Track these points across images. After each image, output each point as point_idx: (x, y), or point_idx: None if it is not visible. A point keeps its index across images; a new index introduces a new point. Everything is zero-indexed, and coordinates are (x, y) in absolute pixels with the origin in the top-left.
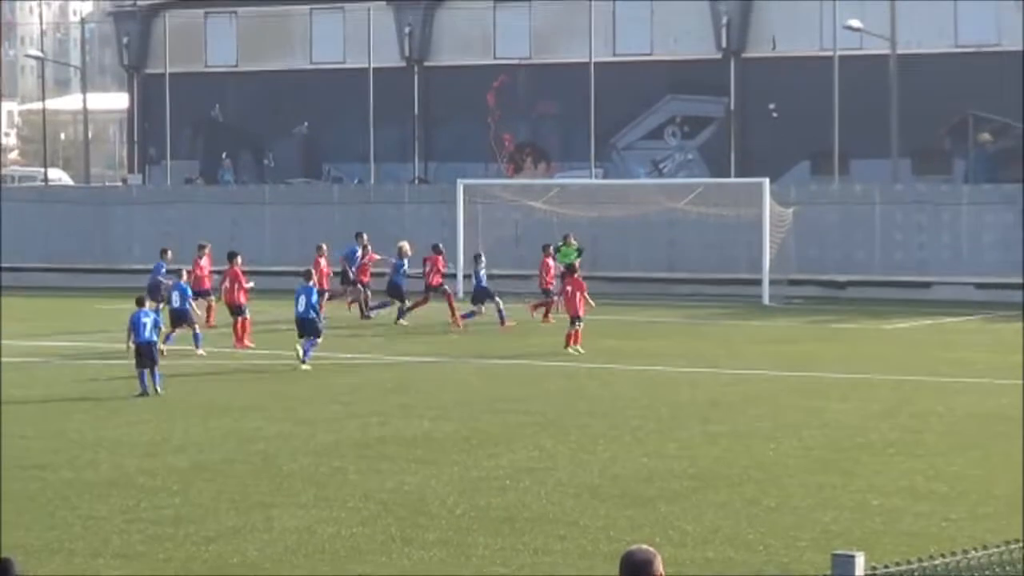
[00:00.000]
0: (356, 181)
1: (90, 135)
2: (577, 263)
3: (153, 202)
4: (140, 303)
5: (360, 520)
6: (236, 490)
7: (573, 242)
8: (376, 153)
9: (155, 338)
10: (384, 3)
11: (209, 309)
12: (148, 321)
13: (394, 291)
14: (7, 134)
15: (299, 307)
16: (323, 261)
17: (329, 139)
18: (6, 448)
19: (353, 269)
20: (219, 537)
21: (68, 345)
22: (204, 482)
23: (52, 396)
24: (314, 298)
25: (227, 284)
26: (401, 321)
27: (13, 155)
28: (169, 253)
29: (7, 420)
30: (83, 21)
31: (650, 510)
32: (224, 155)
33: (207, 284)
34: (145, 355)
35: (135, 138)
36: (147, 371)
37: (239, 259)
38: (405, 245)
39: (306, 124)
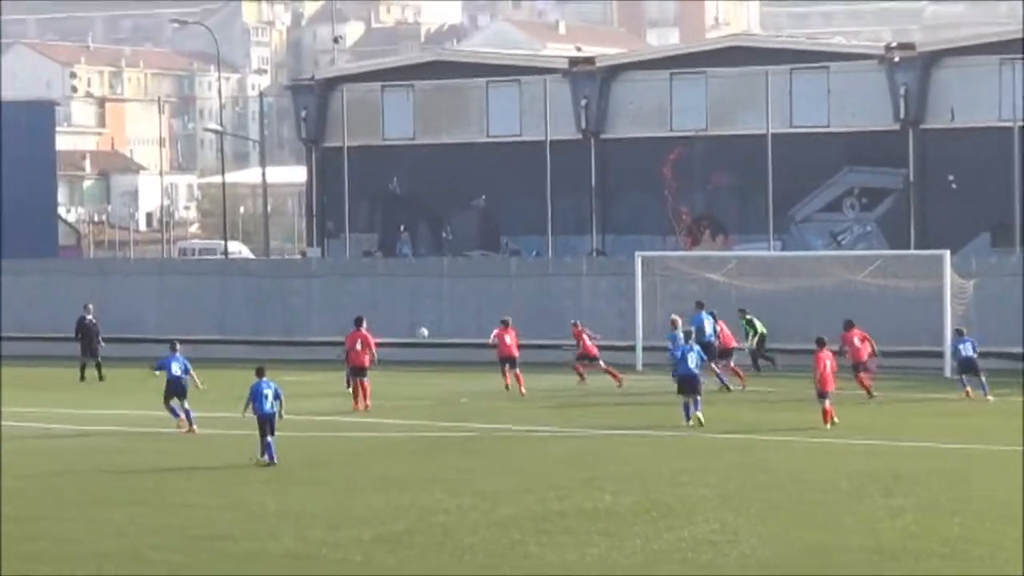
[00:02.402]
0: (534, 254)
1: (269, 208)
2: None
3: (332, 275)
4: (260, 374)
5: None
6: (417, 562)
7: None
8: (553, 226)
9: (275, 410)
10: (560, 76)
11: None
12: (269, 392)
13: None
14: (187, 207)
15: (690, 363)
16: (585, 335)
17: (506, 212)
18: (184, 517)
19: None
20: None
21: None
22: (386, 554)
23: (230, 465)
24: (696, 357)
25: (357, 347)
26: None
27: (193, 228)
28: (365, 322)
29: (188, 490)
30: (261, 95)
31: None
32: (402, 228)
33: (516, 352)
34: (265, 425)
35: (313, 211)
36: (267, 439)
37: (365, 323)
38: (679, 319)
39: (483, 197)
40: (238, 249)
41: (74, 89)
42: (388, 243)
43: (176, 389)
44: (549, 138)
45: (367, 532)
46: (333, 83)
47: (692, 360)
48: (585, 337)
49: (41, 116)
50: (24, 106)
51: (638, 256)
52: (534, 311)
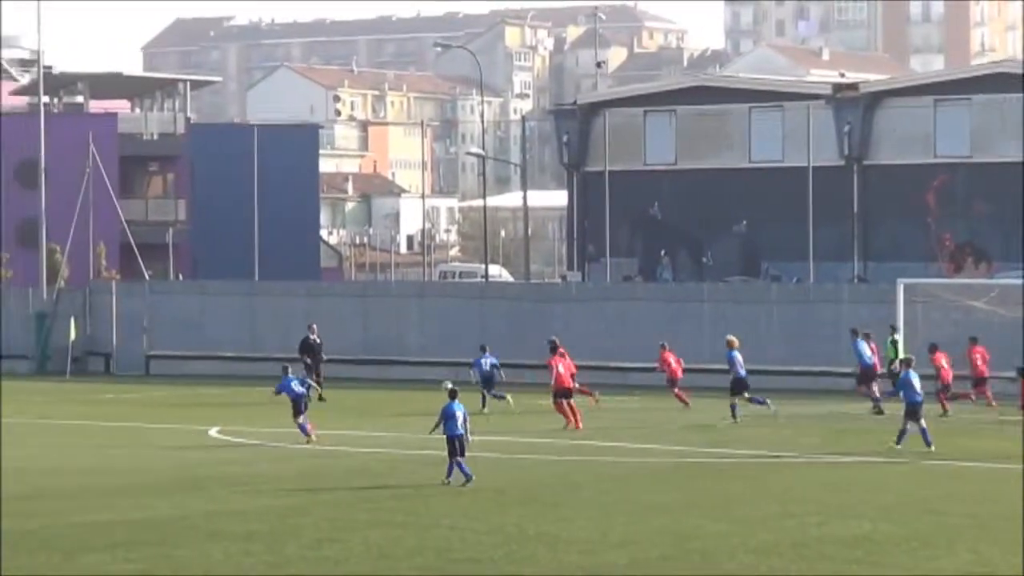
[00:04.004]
0: (795, 280)
1: (530, 232)
2: None
3: (592, 299)
4: (452, 395)
5: None
6: None
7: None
8: (815, 252)
9: (464, 431)
10: (823, 102)
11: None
12: (460, 414)
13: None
14: (448, 231)
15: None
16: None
17: (767, 237)
18: (444, 539)
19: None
20: None
21: (497, 440)
22: None
23: (488, 488)
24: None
25: (560, 369)
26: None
27: (454, 251)
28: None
29: (447, 512)
30: (524, 119)
31: None
32: (663, 252)
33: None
34: (455, 446)
35: (574, 235)
36: (455, 460)
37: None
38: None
39: (744, 222)
40: (498, 272)
41: (338, 112)
42: (648, 268)
43: (301, 405)
44: (811, 164)
45: (623, 557)
46: (595, 108)
47: (917, 385)
48: (671, 360)
49: (305, 139)
50: (289, 129)
51: (900, 283)
52: (794, 338)
